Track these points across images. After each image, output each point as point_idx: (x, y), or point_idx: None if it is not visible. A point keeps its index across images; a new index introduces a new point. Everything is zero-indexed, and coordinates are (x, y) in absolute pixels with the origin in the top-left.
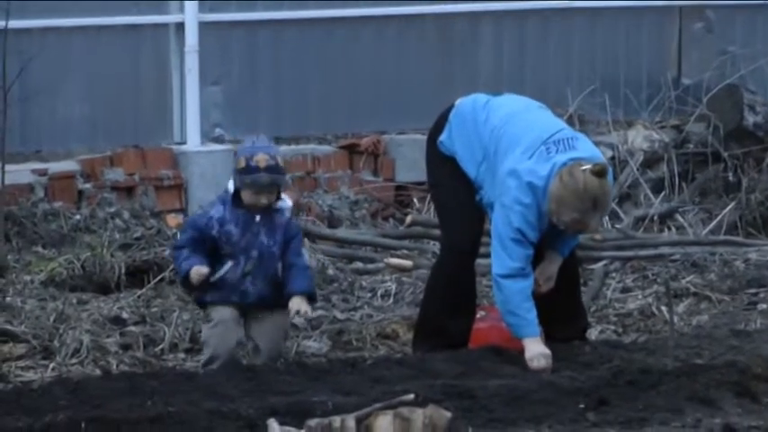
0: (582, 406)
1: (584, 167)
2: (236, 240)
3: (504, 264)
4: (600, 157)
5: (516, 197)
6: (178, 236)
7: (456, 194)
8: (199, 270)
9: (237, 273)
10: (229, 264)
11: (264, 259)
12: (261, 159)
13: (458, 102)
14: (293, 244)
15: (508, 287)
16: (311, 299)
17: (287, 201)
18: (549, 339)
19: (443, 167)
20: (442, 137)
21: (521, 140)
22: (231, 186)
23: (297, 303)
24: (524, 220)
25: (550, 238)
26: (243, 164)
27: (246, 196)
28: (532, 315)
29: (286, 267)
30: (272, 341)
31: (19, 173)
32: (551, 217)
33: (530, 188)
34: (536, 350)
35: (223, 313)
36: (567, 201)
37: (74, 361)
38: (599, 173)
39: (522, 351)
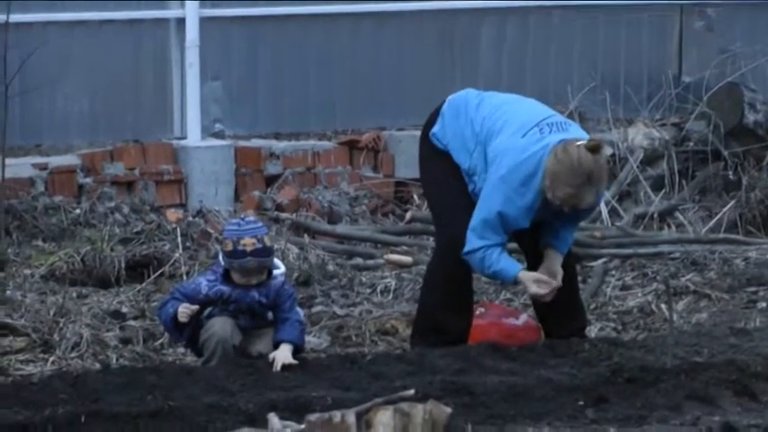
0: (581, 403)
1: (578, 143)
2: (227, 296)
3: (470, 242)
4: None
5: (504, 176)
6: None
7: (449, 190)
8: (187, 306)
9: (226, 313)
10: (217, 308)
11: (255, 310)
12: (248, 243)
13: (449, 97)
14: (286, 305)
15: (477, 260)
16: (298, 350)
17: (280, 267)
18: (547, 336)
19: (436, 163)
20: (435, 128)
21: (514, 122)
22: (222, 261)
23: (282, 353)
24: (507, 201)
25: (545, 232)
26: (230, 247)
27: (236, 277)
28: (505, 259)
29: (279, 320)
30: (269, 347)
31: (19, 167)
32: (546, 193)
33: (522, 165)
34: (531, 280)
35: (219, 317)
36: (562, 176)
37: (73, 355)
38: (593, 148)
39: (520, 346)
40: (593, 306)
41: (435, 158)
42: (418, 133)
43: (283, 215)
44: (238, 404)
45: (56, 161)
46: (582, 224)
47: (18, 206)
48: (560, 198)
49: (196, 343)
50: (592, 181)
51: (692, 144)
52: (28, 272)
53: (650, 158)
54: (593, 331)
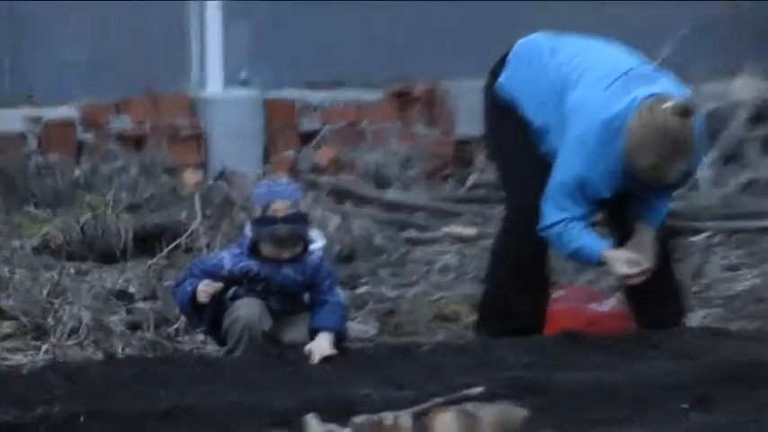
0: (685, 406)
1: (667, 105)
2: (255, 272)
3: (547, 214)
4: (688, 96)
5: (581, 135)
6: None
7: (519, 149)
8: (209, 284)
9: (253, 293)
10: (243, 288)
11: (288, 289)
12: (279, 208)
13: (518, 42)
14: (324, 285)
15: (554, 236)
16: (339, 339)
17: (318, 240)
18: (638, 325)
19: (503, 118)
20: (501, 78)
21: (594, 71)
22: (249, 231)
23: (320, 344)
24: (588, 163)
25: (634, 203)
26: (258, 212)
27: (266, 249)
28: (588, 235)
29: (316, 303)
30: (305, 335)
31: (9, 120)
32: (628, 160)
33: (601, 125)
34: (619, 260)
35: (246, 299)
36: (645, 142)
37: (71, 342)
38: (683, 112)
39: (605, 336)
40: (693, 289)
41: (501, 112)
42: (482, 83)
43: (322, 179)
44: (269, 403)
45: (51, 113)
46: (678, 192)
47: (7, 166)
48: (642, 168)
49: (218, 329)
50: (677, 151)
51: None
52: (17, 243)
53: (758, 116)
54: (694, 319)
